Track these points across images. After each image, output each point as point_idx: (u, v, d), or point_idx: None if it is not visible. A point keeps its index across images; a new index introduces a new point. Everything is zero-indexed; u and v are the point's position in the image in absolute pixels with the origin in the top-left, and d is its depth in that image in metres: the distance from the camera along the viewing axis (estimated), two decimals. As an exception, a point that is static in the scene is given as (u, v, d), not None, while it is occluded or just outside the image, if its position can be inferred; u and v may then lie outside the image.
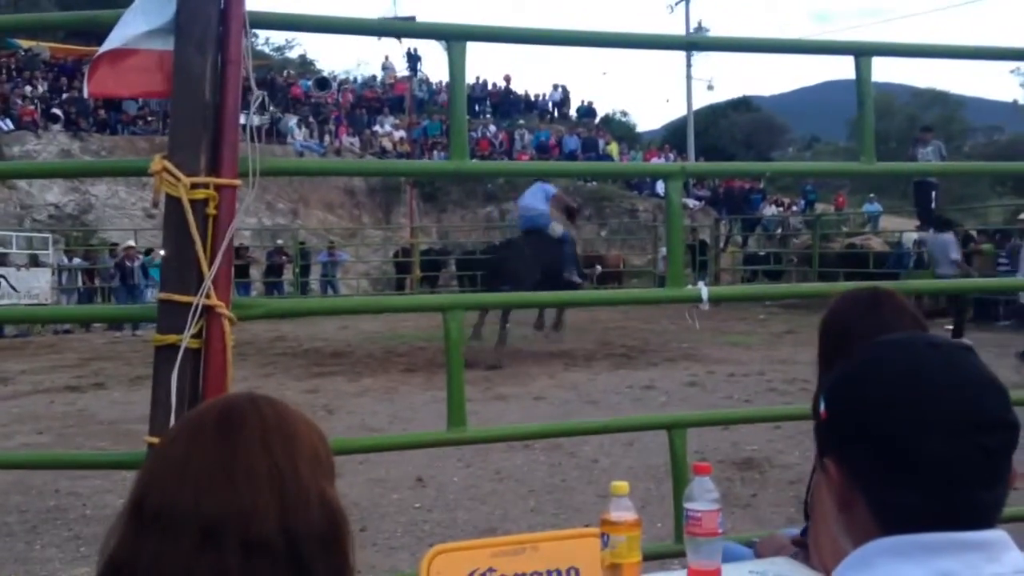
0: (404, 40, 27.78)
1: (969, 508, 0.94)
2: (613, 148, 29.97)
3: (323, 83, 31.50)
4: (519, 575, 1.48)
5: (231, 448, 0.96)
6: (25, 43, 26.84)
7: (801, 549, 1.96)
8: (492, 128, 29.89)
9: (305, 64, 45.14)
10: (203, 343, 2.31)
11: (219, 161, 2.34)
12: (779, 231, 22.37)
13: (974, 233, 15.11)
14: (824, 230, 18.45)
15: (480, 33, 2.91)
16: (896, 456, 0.95)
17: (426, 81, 33.50)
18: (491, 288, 10.55)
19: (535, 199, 10.62)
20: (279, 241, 20.99)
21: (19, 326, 14.86)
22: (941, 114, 44.53)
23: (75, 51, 26.42)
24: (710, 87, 45.31)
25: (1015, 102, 52.64)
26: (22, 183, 21.66)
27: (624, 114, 50.53)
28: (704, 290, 2.91)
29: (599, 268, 19.40)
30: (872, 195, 23.68)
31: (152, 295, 15.12)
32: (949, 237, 11.86)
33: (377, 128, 28.92)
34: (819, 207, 25.99)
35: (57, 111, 24.42)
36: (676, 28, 33.34)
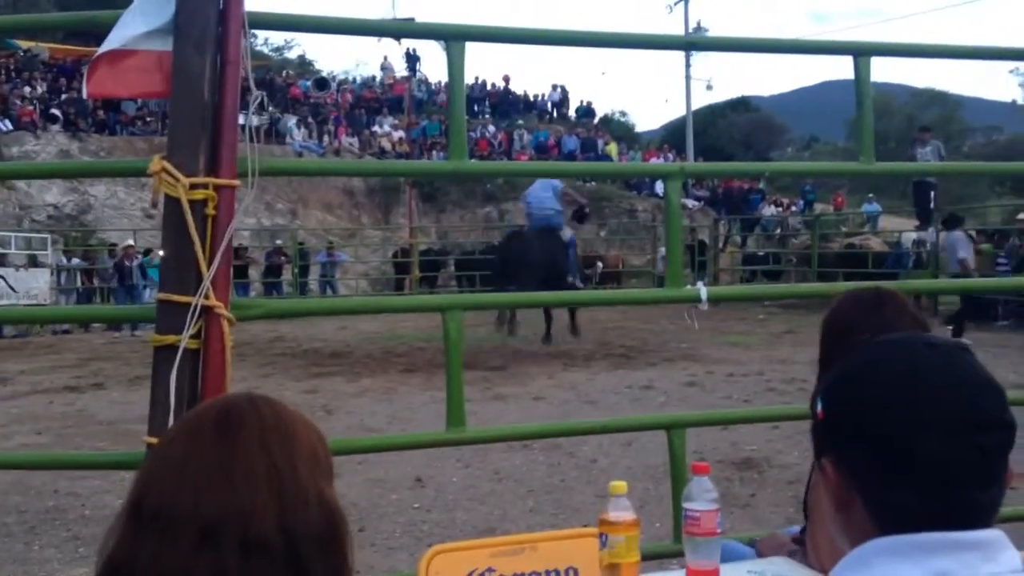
0: (403, 40, 27.75)
1: (966, 508, 0.94)
2: (612, 148, 30.00)
3: (322, 83, 31.50)
4: (518, 575, 1.48)
5: (230, 448, 0.96)
6: (24, 44, 26.83)
7: (801, 547, 1.97)
8: (491, 128, 29.92)
9: (304, 64, 45.18)
10: (202, 343, 2.31)
11: (218, 161, 2.34)
12: (778, 231, 22.39)
13: (973, 233, 15.11)
14: (823, 230, 18.45)
15: (479, 33, 2.91)
16: (893, 456, 0.95)
17: (425, 81, 33.51)
18: (500, 279, 10.72)
19: (547, 196, 10.76)
20: (278, 241, 20.99)
21: (18, 326, 14.85)
22: (940, 114, 44.61)
23: (74, 52, 26.42)
24: (709, 87, 45.38)
25: (1014, 102, 52.67)
26: (21, 183, 21.66)
27: (623, 114, 50.62)
28: (703, 290, 2.91)
29: (600, 265, 19.40)
30: (871, 195, 23.71)
31: (151, 295, 15.12)
32: (958, 235, 11.88)
33: (376, 128, 28.93)
34: (818, 207, 26.02)
35: (56, 112, 24.41)
36: (675, 28, 33.39)
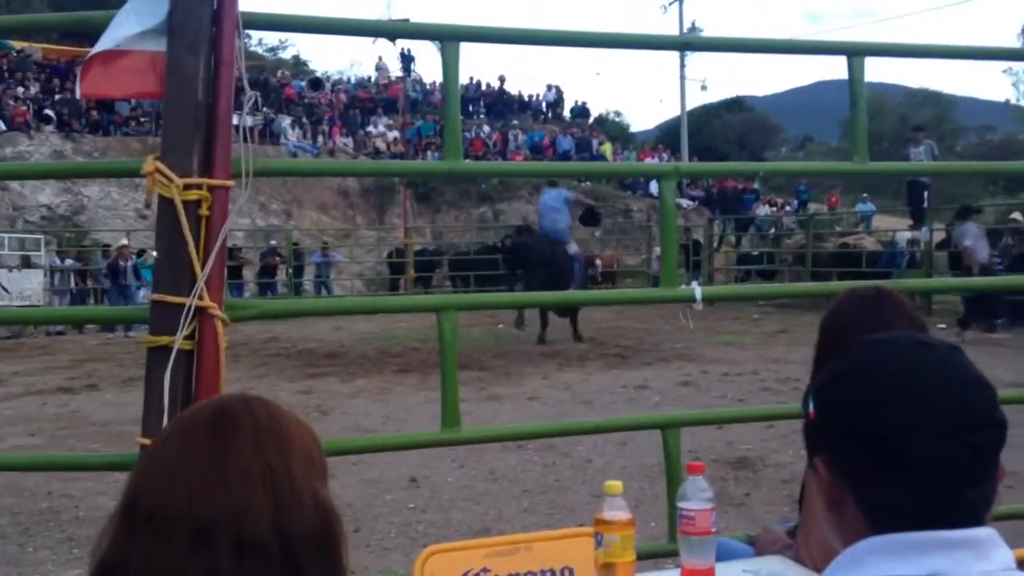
0: (398, 41, 27.71)
1: (958, 506, 0.94)
2: (607, 148, 30.00)
3: (316, 84, 31.46)
4: (513, 575, 1.48)
5: (224, 449, 0.96)
6: (17, 44, 26.74)
7: (795, 542, 1.98)
8: (486, 128, 29.89)
9: (298, 65, 45.12)
10: (196, 344, 2.30)
11: (212, 162, 2.34)
12: (772, 231, 22.40)
13: (953, 234, 15.15)
14: (817, 230, 18.47)
15: (473, 34, 2.91)
16: (885, 455, 0.95)
17: (420, 81, 33.47)
18: (508, 267, 11.32)
19: (558, 208, 11.42)
20: (272, 242, 20.94)
21: (11, 328, 14.79)
22: (933, 114, 44.71)
23: (68, 52, 26.34)
24: (703, 87, 45.47)
25: (1007, 102, 52.83)
26: (14, 184, 21.58)
27: (618, 114, 50.59)
28: (698, 290, 2.92)
29: (600, 264, 19.43)
30: (865, 195, 23.73)
31: (144, 296, 15.07)
32: (967, 225, 11.92)
33: (371, 129, 28.88)
34: (812, 207, 26.05)
35: (50, 112, 24.32)
36: (669, 28, 33.36)
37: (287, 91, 29.84)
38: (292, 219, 24.85)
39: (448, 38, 2.74)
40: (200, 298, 2.27)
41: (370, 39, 29.79)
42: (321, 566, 0.96)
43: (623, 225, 25.87)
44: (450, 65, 2.73)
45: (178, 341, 2.25)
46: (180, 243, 2.27)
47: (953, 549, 0.93)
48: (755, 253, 20.51)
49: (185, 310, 2.26)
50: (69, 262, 18.67)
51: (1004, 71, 48.88)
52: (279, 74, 32.69)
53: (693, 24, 36.79)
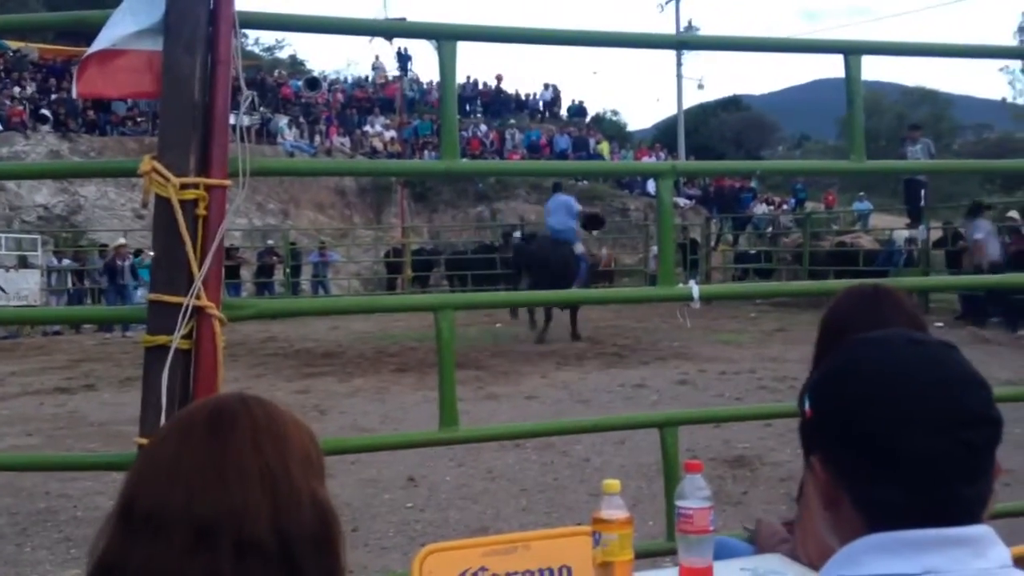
0: (394, 40, 27.74)
1: (954, 504, 0.94)
2: (604, 147, 30.01)
3: (313, 83, 31.42)
4: (511, 574, 1.48)
5: (222, 448, 0.96)
6: (13, 44, 26.69)
7: (793, 536, 1.99)
8: (483, 127, 29.89)
9: (295, 64, 45.06)
10: (193, 344, 2.30)
11: (209, 161, 2.34)
12: (769, 229, 22.40)
13: (962, 231, 15.16)
14: (814, 228, 18.48)
15: (470, 33, 2.91)
16: (881, 453, 0.95)
17: (416, 81, 33.45)
18: (516, 272, 11.62)
19: (563, 212, 11.74)
20: (269, 241, 20.92)
21: (8, 328, 14.77)
22: (930, 112, 44.78)
23: (64, 52, 26.29)
24: (700, 86, 45.36)
25: (1004, 100, 52.92)
26: (11, 184, 21.54)
27: (615, 113, 50.56)
28: (695, 288, 2.92)
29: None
30: (862, 193, 23.75)
31: (142, 296, 15.05)
32: (980, 221, 11.88)
33: (368, 128, 28.87)
34: (809, 205, 26.06)
35: (46, 112, 24.28)
36: (666, 27, 33.39)
37: (284, 91, 29.82)
38: (289, 219, 24.83)
39: (445, 37, 2.74)
40: (197, 298, 2.27)
41: (367, 38, 29.80)
42: (319, 566, 0.96)
43: (620, 224, 25.87)
44: (447, 64, 2.73)
45: (175, 341, 2.25)
46: (177, 243, 2.27)
47: (950, 547, 0.93)
48: (752, 252, 20.52)
49: (182, 310, 2.26)
50: (66, 262, 18.64)
51: (1000, 69, 48.94)
52: (276, 74, 32.66)
53: (690, 23, 36.83)
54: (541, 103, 34.42)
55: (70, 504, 5.05)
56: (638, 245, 22.45)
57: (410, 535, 4.45)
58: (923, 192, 14.97)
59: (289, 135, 26.59)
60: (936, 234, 15.09)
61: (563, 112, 34.79)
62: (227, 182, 2.38)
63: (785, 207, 26.56)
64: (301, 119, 28.22)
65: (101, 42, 2.37)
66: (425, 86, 32.92)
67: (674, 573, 1.60)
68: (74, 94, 2.52)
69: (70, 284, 18.26)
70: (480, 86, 33.24)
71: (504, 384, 8.62)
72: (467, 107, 31.09)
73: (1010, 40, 41.85)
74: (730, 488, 5.06)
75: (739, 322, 13.67)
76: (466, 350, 10.05)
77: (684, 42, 8.38)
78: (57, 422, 7.45)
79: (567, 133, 30.25)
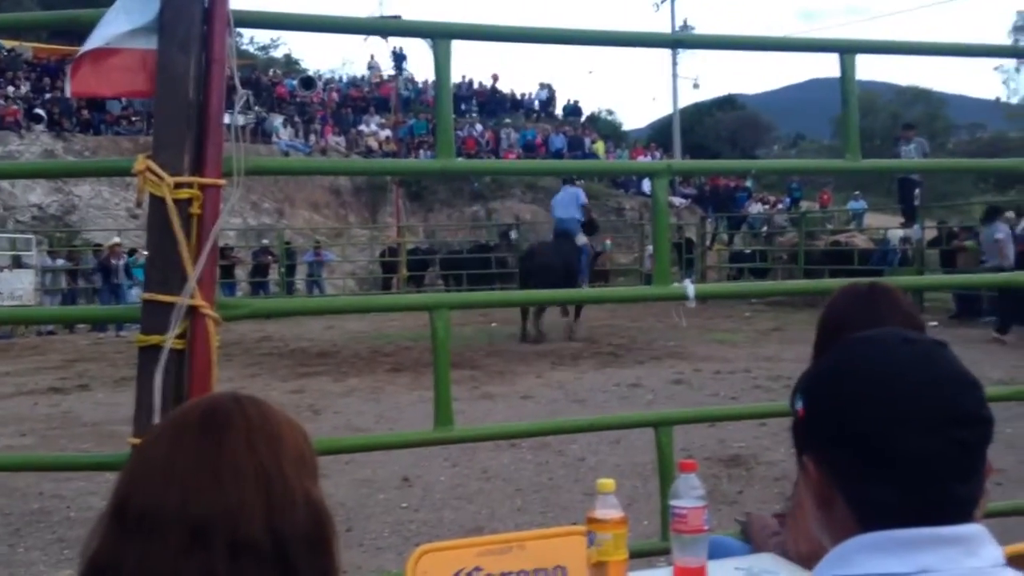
0: (390, 39, 27.72)
1: (947, 503, 0.95)
2: (599, 146, 30.04)
3: (308, 82, 31.38)
4: (506, 574, 1.48)
5: (216, 448, 0.95)
6: (7, 43, 26.63)
7: (784, 530, 1.99)
8: (479, 127, 29.89)
9: (290, 63, 45.05)
10: (187, 344, 2.30)
11: (203, 160, 2.33)
12: (765, 229, 22.44)
13: (956, 230, 15.21)
14: (809, 227, 18.52)
15: (465, 31, 2.91)
16: (872, 452, 0.95)
17: (412, 80, 33.44)
18: (523, 285, 11.74)
19: (570, 204, 12.07)
20: (264, 241, 20.90)
21: (2, 328, 14.73)
22: (924, 112, 44.90)
23: (58, 51, 26.24)
24: (696, 85, 45.32)
25: (997, 99, 53.13)
26: (5, 184, 21.50)
27: (610, 112, 50.69)
28: (690, 288, 2.92)
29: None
30: (857, 192, 23.80)
31: (136, 295, 15.02)
32: (997, 225, 11.77)
33: (363, 127, 28.85)
34: (804, 205, 26.09)
35: (40, 111, 24.22)
36: (662, 26, 33.41)
37: (279, 90, 29.79)
38: (284, 218, 24.80)
39: (440, 36, 2.73)
40: (191, 297, 2.27)
41: (362, 37, 29.79)
42: (313, 566, 0.96)
43: (616, 223, 25.86)
44: (442, 63, 2.72)
45: (169, 340, 2.24)
46: (171, 242, 2.26)
47: (943, 546, 0.93)
48: (747, 251, 20.55)
49: (176, 309, 2.25)
50: (60, 262, 18.59)
51: (995, 69, 49.26)
52: (271, 73, 32.64)
53: (685, 22, 36.88)
54: (537, 102, 34.43)
55: (63, 505, 5.04)
56: (633, 244, 22.47)
57: (404, 535, 4.45)
58: (917, 191, 15.00)
59: (284, 134, 26.56)
60: (930, 233, 15.12)
61: (559, 111, 34.80)
62: (222, 181, 2.37)
63: (780, 206, 26.57)
64: (296, 118, 28.19)
65: (95, 41, 2.37)
66: (420, 85, 32.90)
67: (668, 573, 1.60)
68: (68, 93, 2.51)
69: (64, 284, 18.21)
70: (476, 85, 33.24)
71: (499, 384, 8.62)
72: (463, 106, 31.08)
73: (1004, 39, 41.98)
74: (725, 487, 5.07)
75: (734, 321, 13.69)
76: (461, 350, 10.06)
77: (680, 41, 8.39)
78: (51, 422, 7.44)
79: (563, 132, 30.27)
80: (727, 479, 5.25)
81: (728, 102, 53.04)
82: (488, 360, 10.09)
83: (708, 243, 20.99)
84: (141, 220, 16.76)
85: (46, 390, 9.16)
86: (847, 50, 3.06)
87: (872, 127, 38.58)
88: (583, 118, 35.99)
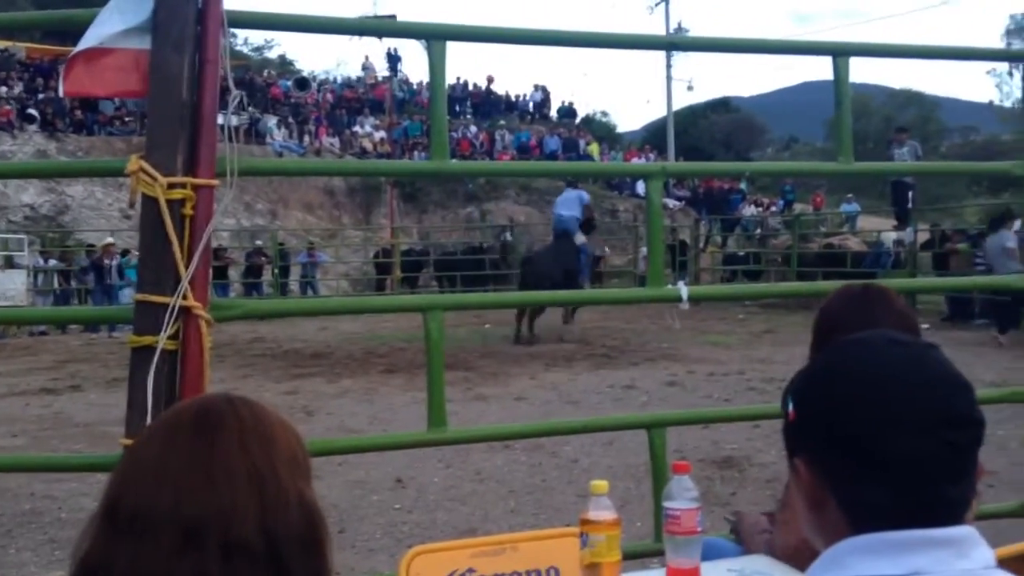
0: (384, 40, 27.72)
1: (939, 504, 0.95)
2: (594, 148, 30.05)
3: (303, 83, 31.36)
4: (499, 575, 1.48)
5: (209, 448, 0.95)
6: (0, 43, 26.55)
7: (774, 529, 2.00)
8: (473, 128, 29.88)
9: (284, 64, 44.98)
10: (180, 344, 2.29)
11: (196, 161, 2.33)
12: (758, 231, 22.47)
13: (949, 233, 15.24)
14: (802, 230, 18.55)
15: (460, 33, 2.91)
16: (865, 454, 0.95)
17: (406, 81, 33.43)
18: (525, 282, 11.87)
19: (571, 205, 12.14)
20: (258, 242, 20.85)
21: (-6, 328, 14.68)
22: (917, 114, 44.97)
23: (51, 51, 26.14)
24: (690, 88, 45.60)
25: (991, 103, 53.27)
26: (-3, 184, 21.43)
27: (604, 114, 50.63)
28: (684, 290, 2.93)
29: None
30: (850, 195, 23.84)
31: (129, 296, 14.96)
32: (1005, 234, 11.60)
33: (357, 128, 28.83)
34: (797, 207, 26.14)
35: (33, 111, 24.15)
36: (656, 29, 33.42)
37: (273, 90, 29.75)
38: (278, 219, 24.76)
39: (435, 37, 2.74)
40: (184, 298, 2.26)
41: (356, 38, 29.76)
42: (306, 567, 0.95)
43: (610, 225, 25.89)
44: (437, 64, 2.72)
45: (162, 341, 2.24)
46: (164, 242, 2.26)
47: (934, 548, 0.93)
48: (741, 253, 20.57)
49: (169, 310, 2.25)
50: (52, 262, 18.54)
51: (987, 72, 49.35)
52: (265, 73, 32.60)
53: (679, 24, 36.86)
54: (531, 104, 34.45)
55: (55, 505, 5.02)
56: (627, 246, 22.48)
57: (397, 537, 4.44)
58: (910, 194, 15.04)
59: (278, 135, 26.53)
60: (923, 236, 15.16)
61: (553, 113, 34.84)
62: (215, 182, 2.37)
63: (773, 209, 26.63)
64: (290, 119, 28.16)
65: (88, 40, 2.36)
66: (415, 87, 32.89)
67: (662, 574, 1.60)
68: (61, 93, 2.51)
69: (56, 284, 18.15)
70: (470, 87, 33.25)
71: (493, 385, 8.62)
72: (457, 108, 31.08)
73: (997, 43, 42.15)
74: (718, 489, 5.08)
75: (728, 323, 13.71)
76: (455, 351, 10.05)
77: (674, 43, 8.40)
78: (43, 423, 7.41)
79: (557, 134, 30.27)
80: (720, 481, 5.26)
81: (722, 105, 53.11)
82: (482, 361, 10.08)
83: (702, 245, 21.01)
84: (134, 220, 16.65)
85: (38, 391, 9.13)
86: (840, 53, 3.07)
87: (865, 130, 38.64)
88: (578, 120, 36.03)
